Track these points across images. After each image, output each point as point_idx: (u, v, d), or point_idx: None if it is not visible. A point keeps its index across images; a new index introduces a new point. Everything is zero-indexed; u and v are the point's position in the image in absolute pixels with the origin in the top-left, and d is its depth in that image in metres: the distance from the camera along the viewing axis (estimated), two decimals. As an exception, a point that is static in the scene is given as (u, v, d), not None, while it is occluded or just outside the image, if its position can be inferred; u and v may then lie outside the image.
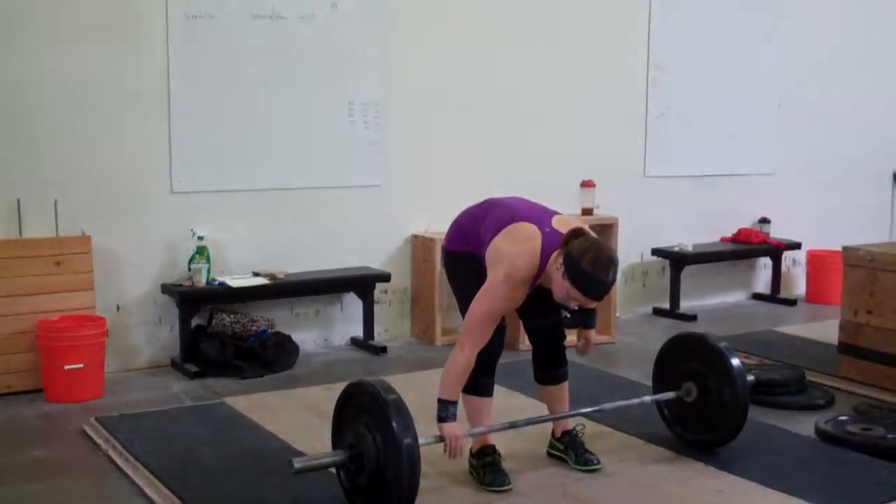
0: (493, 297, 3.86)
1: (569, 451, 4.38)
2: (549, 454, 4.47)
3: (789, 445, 4.72)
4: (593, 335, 4.36)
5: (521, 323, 4.51)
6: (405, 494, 3.57)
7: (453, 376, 3.88)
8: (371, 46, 6.66)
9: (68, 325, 5.54)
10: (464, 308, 4.08)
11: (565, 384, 4.39)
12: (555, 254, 3.83)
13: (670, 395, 4.56)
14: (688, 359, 4.57)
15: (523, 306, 4.05)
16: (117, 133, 5.92)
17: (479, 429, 4.12)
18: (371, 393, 3.71)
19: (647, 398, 4.64)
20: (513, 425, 4.21)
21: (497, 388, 4.28)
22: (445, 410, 3.86)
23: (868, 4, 9.05)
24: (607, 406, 4.46)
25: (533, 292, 3.98)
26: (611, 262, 3.76)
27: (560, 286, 3.80)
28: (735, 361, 4.43)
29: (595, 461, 4.33)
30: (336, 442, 3.90)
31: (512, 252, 3.87)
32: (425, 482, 4.06)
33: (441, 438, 3.87)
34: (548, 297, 3.95)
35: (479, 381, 4.08)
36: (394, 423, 3.56)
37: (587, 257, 3.71)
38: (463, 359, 3.86)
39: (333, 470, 3.87)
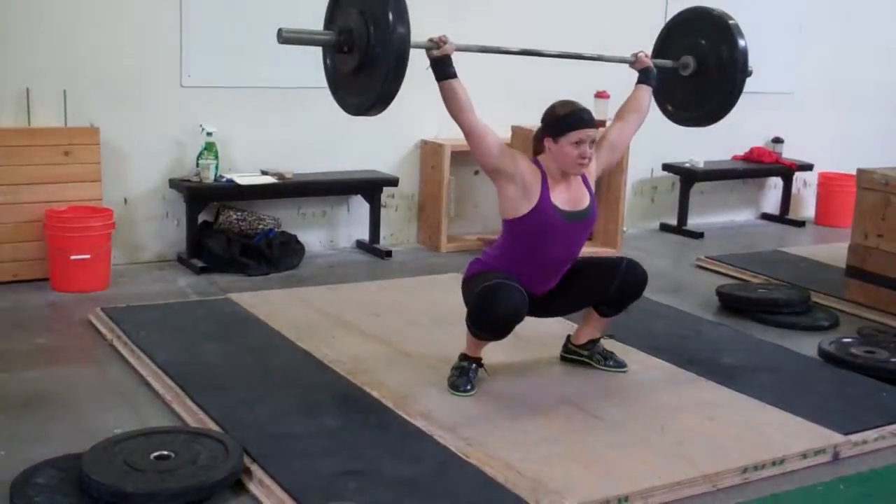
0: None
1: (595, 356, 4.41)
2: (564, 358, 4.48)
3: (791, 364, 4.71)
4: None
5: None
6: (389, 77, 3.65)
7: None
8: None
9: (75, 215, 5.53)
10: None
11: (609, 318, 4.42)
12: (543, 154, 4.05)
13: (668, 63, 4.64)
14: (690, 34, 4.64)
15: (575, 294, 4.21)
16: (128, 24, 5.83)
17: (464, 44, 4.07)
18: None
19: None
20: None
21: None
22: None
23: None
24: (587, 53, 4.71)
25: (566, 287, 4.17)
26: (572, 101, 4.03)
27: (559, 152, 3.96)
28: (732, 22, 4.55)
29: (624, 363, 4.41)
30: (328, 25, 3.89)
31: None
32: (408, 387, 4.05)
33: (432, 42, 3.88)
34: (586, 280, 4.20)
35: (487, 339, 4.07)
36: (389, 12, 3.54)
37: (551, 108, 4.02)
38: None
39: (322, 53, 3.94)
